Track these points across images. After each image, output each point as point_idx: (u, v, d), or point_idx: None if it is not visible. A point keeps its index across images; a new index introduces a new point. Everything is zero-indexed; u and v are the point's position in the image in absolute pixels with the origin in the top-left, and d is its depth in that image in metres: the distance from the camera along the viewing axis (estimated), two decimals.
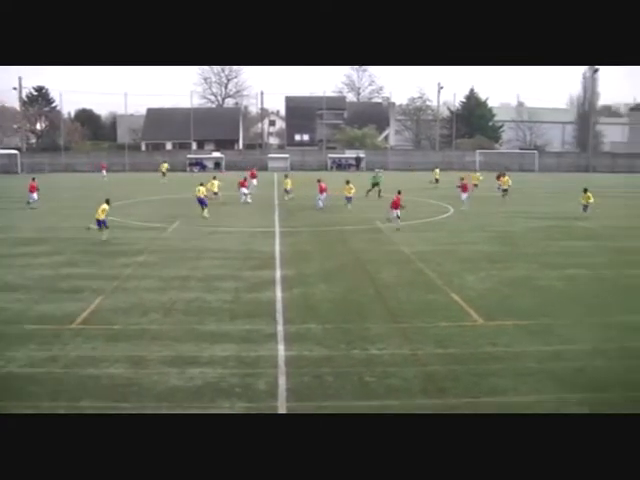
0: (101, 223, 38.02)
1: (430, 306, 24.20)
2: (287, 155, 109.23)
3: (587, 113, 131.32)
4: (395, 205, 42.42)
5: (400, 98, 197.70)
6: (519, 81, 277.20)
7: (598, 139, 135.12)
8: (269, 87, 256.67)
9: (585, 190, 50.25)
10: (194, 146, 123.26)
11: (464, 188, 54.11)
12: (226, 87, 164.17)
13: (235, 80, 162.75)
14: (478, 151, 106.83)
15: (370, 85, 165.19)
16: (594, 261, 32.92)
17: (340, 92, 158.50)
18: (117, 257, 32.91)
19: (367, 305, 24.36)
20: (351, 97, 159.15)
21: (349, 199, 52.75)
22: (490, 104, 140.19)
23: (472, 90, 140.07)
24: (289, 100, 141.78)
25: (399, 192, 43.27)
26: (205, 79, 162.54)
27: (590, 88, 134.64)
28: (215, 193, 55.70)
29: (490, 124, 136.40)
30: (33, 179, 57.48)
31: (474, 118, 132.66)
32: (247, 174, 65.42)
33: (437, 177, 74.35)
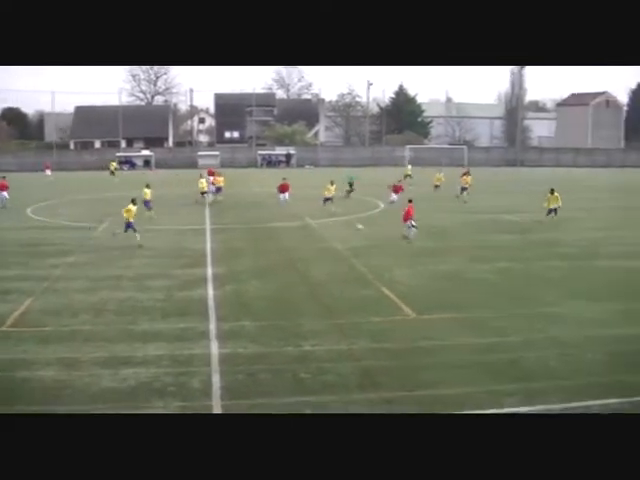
0: (129, 225, 35.78)
1: (363, 301, 24.32)
2: (217, 152, 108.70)
3: (515, 109, 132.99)
4: (408, 216, 37.92)
5: (330, 94, 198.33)
6: (448, 77, 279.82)
7: (526, 134, 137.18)
8: (198, 84, 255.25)
9: (552, 191, 44.13)
10: (123, 144, 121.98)
11: (396, 189, 53.53)
12: (155, 84, 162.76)
13: (164, 77, 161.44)
14: (407, 146, 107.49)
15: (300, 81, 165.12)
16: (524, 254, 33.42)
17: (270, 89, 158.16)
18: (46, 258, 32.44)
19: (300, 301, 24.40)
20: (281, 94, 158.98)
21: (328, 199, 50.18)
22: (419, 100, 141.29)
23: (401, 86, 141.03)
24: (218, 97, 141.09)
25: (410, 201, 39.16)
26: (134, 76, 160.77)
27: (518, 84, 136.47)
28: (203, 193, 55.08)
29: (419, 120, 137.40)
30: (3, 177, 55.82)
31: (403, 114, 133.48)
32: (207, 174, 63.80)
33: (409, 173, 73.23)
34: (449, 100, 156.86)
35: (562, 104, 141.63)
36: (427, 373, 17.60)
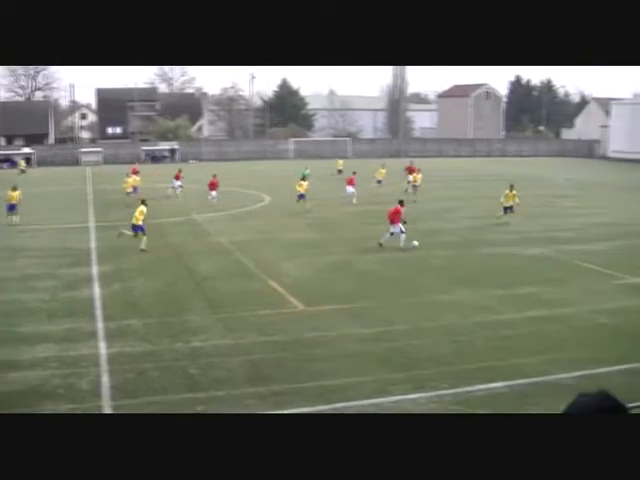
0: (138, 229, 33.28)
1: (250, 295, 24.35)
2: (100, 149, 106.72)
3: (397, 100, 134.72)
4: (395, 218, 33.39)
5: (213, 88, 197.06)
6: (331, 70, 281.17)
7: (408, 125, 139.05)
8: (80, 79, 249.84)
9: (511, 187, 40.86)
10: (3, 142, 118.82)
11: (350, 181, 53.02)
12: (35, 80, 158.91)
13: (44, 72, 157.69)
14: (292, 139, 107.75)
15: (182, 76, 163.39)
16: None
17: (152, 83, 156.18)
18: None
19: (188, 297, 24.29)
20: (163, 88, 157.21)
21: (302, 196, 47.44)
22: (302, 93, 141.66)
23: (284, 80, 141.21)
24: (100, 92, 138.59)
25: (400, 202, 34.38)
26: (12, 71, 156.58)
27: (400, 77, 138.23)
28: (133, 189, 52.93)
29: (303, 113, 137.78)
30: None
31: (287, 107, 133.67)
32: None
33: (340, 168, 72.05)
34: (332, 93, 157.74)
35: (443, 96, 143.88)
36: (316, 364, 17.75)
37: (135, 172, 58.01)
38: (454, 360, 18.20)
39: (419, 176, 55.21)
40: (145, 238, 32.80)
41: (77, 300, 24.06)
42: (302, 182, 47.68)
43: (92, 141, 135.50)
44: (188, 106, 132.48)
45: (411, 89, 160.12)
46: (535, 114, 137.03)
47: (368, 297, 24.17)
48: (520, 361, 18.13)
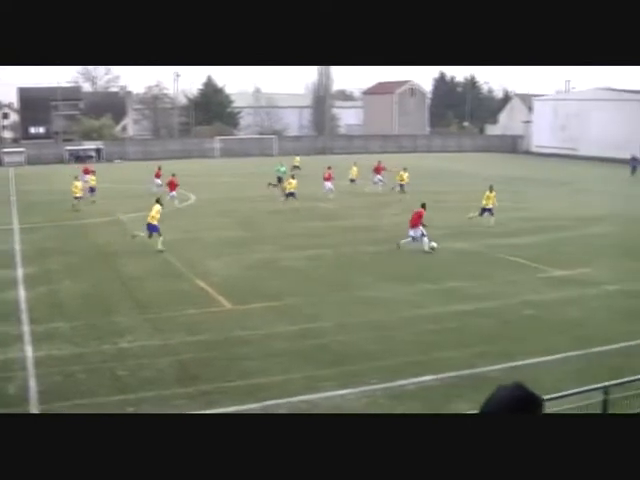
0: (154, 229, 32.51)
1: (178, 295, 24.20)
2: (23, 149, 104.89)
3: (323, 98, 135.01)
4: (417, 221, 32.43)
5: (137, 87, 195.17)
6: (256, 68, 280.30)
7: (334, 122, 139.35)
8: (1, 78, 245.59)
9: (491, 188, 39.11)
10: None
11: (327, 178, 53.12)
12: None
13: None
14: (218, 137, 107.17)
15: (106, 74, 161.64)
16: (333, 240, 34.04)
17: (76, 82, 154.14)
18: None
19: (114, 298, 24.03)
20: (87, 87, 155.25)
21: (291, 194, 47.07)
22: (228, 91, 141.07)
23: (209, 77, 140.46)
24: (23, 91, 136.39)
25: (423, 206, 33.20)
26: None
27: (325, 74, 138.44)
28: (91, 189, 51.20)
29: (228, 111, 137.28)
30: None
31: (212, 105, 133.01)
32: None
33: (297, 164, 70.53)
34: (258, 91, 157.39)
35: (368, 92, 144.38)
36: (245, 363, 17.73)
37: (87, 172, 55.71)
38: (382, 355, 18.34)
39: (406, 174, 53.85)
40: (162, 238, 32.27)
41: (2, 303, 23.61)
42: (292, 180, 47.61)
43: (14, 141, 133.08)
44: (112, 105, 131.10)
45: (336, 86, 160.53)
46: (459, 110, 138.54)
47: (295, 294, 24.21)
48: (448, 354, 18.35)
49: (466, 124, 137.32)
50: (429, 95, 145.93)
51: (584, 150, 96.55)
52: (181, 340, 19.50)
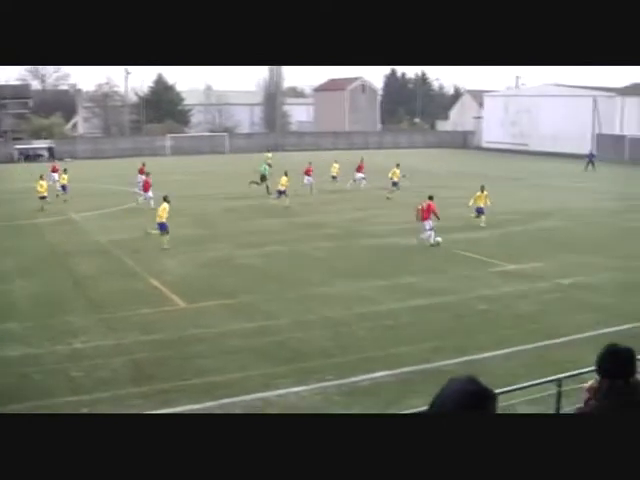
0: (163, 227, 32.56)
1: (131, 294, 24.05)
2: None
3: (274, 95, 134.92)
4: (428, 214, 32.69)
5: (87, 84, 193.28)
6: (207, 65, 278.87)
7: (285, 119, 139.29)
8: None
9: (482, 188, 38.40)
10: None
11: (307, 172, 52.81)
12: None
13: None
14: (169, 135, 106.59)
15: (56, 72, 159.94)
16: (290, 237, 34.07)
17: (24, 80, 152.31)
18: None
19: (68, 298, 23.82)
20: (36, 85, 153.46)
21: (282, 192, 46.36)
22: (178, 88, 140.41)
23: (160, 75, 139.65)
24: None
25: (430, 198, 33.42)
26: None
27: (276, 71, 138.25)
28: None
29: (179, 108, 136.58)
30: None
31: (163, 103, 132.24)
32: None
33: (269, 161, 69.11)
34: (209, 88, 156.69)
35: (319, 89, 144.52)
36: (201, 361, 17.70)
37: (55, 170, 54.55)
38: (337, 351, 18.41)
39: (397, 171, 52.41)
40: (168, 237, 32.20)
41: None
42: (284, 177, 46.74)
43: None
44: (62, 103, 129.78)
45: (287, 83, 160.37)
46: (410, 106, 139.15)
47: (250, 292, 24.20)
48: (403, 350, 18.46)
49: (417, 120, 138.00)
50: (380, 92, 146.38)
51: (534, 145, 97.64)
52: (135, 339, 19.41)
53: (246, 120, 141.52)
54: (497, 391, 4.10)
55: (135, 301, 23.10)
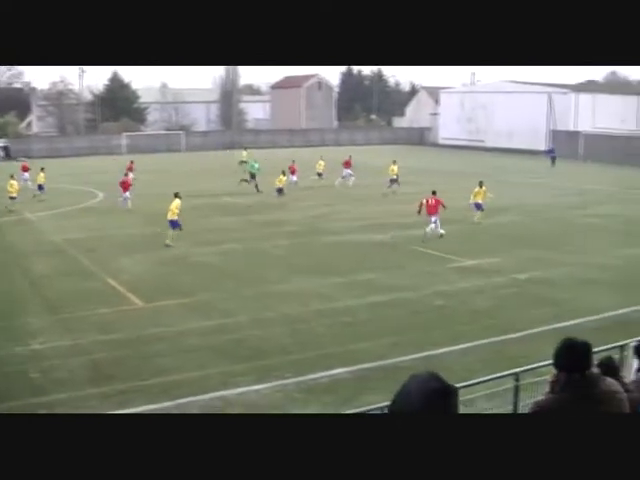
0: (175, 224, 32.70)
1: (88, 294, 23.88)
2: None
3: (230, 92, 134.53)
4: (435, 209, 33.65)
5: (41, 83, 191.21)
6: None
7: (242, 117, 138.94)
8: None
9: (480, 184, 38.80)
10: None
11: (292, 170, 52.65)
12: None
13: None
14: (125, 134, 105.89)
15: (9, 70, 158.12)
16: (248, 235, 34.01)
17: None
18: None
19: (24, 299, 23.59)
20: None
21: (281, 190, 47.30)
22: (134, 86, 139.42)
23: (115, 73, 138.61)
24: None
25: (434, 193, 34.46)
26: None
27: (232, 68, 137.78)
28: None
29: (135, 106, 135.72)
30: None
31: (119, 101, 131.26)
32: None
33: (244, 159, 67.70)
34: (164, 86, 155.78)
35: (276, 87, 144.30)
36: (159, 361, 17.65)
37: (25, 170, 53.68)
38: (296, 349, 18.46)
39: (395, 168, 52.01)
40: (174, 233, 32.42)
41: None
42: (282, 177, 47.46)
43: None
44: (16, 102, 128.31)
45: (243, 80, 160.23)
46: (367, 103, 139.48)
47: (208, 290, 24.15)
48: (361, 346, 18.54)
49: (374, 117, 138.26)
50: (336, 89, 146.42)
51: (490, 142, 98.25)
52: (93, 339, 19.29)
53: (202, 118, 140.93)
54: (458, 385, 4.15)
55: (92, 301, 22.94)
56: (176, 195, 33.44)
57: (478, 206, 38.02)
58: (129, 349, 18.49)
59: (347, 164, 56.26)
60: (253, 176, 52.35)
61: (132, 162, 54.95)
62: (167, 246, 31.62)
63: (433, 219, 33.52)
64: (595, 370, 5.54)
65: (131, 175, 51.27)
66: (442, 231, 33.33)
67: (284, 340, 19.12)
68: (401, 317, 21.22)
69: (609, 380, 5.59)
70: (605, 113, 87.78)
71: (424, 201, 34.16)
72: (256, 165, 53.53)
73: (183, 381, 16.30)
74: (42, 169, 50.20)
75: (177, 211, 32.62)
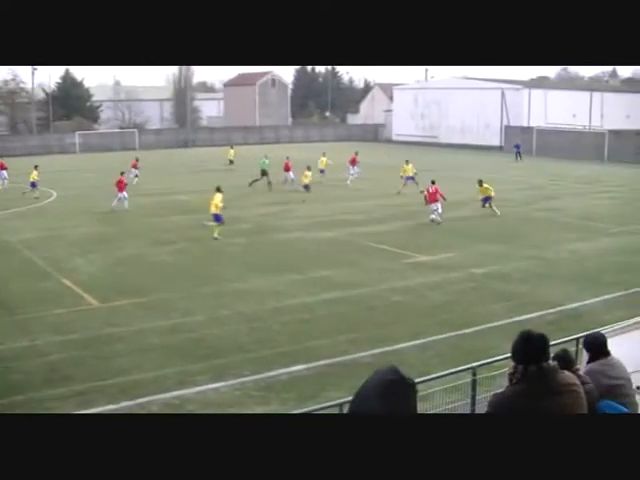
0: (218, 218, 33.23)
1: (44, 294, 23.64)
2: None
3: (184, 90, 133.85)
4: (435, 197, 36.61)
5: None
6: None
7: (196, 114, 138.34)
8: None
9: (480, 182, 39.73)
10: None
11: (287, 167, 52.06)
12: None
13: None
14: (78, 132, 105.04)
15: None
16: (202, 234, 33.86)
17: None
18: None
19: None
20: None
21: (307, 186, 47.39)
22: (87, 84, 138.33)
23: (67, 71, 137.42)
24: None
25: (433, 182, 37.27)
26: None
27: (185, 66, 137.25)
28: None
29: (88, 105, 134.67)
30: None
31: (71, 99, 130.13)
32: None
33: (231, 158, 67.27)
34: (117, 83, 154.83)
35: (229, 84, 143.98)
36: (117, 361, 17.55)
37: (3, 168, 53.45)
38: (254, 347, 18.45)
39: (407, 167, 51.00)
40: (218, 227, 33.09)
41: None
42: (307, 172, 47.62)
43: None
44: None
45: (197, 78, 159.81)
46: (321, 100, 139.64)
47: (164, 289, 24.04)
48: (319, 343, 18.59)
49: (328, 114, 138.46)
50: (290, 86, 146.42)
51: (444, 138, 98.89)
52: (50, 340, 19.12)
53: (156, 116, 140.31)
54: (417, 380, 4.19)
55: (48, 301, 22.72)
56: (218, 189, 33.83)
57: (486, 200, 39.22)
58: (86, 349, 18.35)
59: (353, 162, 56.22)
60: (264, 173, 51.91)
61: (137, 160, 55.29)
62: (215, 239, 32.20)
63: (434, 207, 36.30)
64: (552, 363, 5.60)
65: (135, 172, 52.14)
66: (434, 216, 36.18)
67: (242, 338, 19.10)
68: (358, 313, 21.30)
69: (566, 373, 5.67)
70: (557, 109, 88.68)
71: (426, 191, 37.40)
72: (267, 161, 53.11)
73: (141, 381, 16.23)
74: (36, 167, 49.66)
75: (221, 205, 33.14)
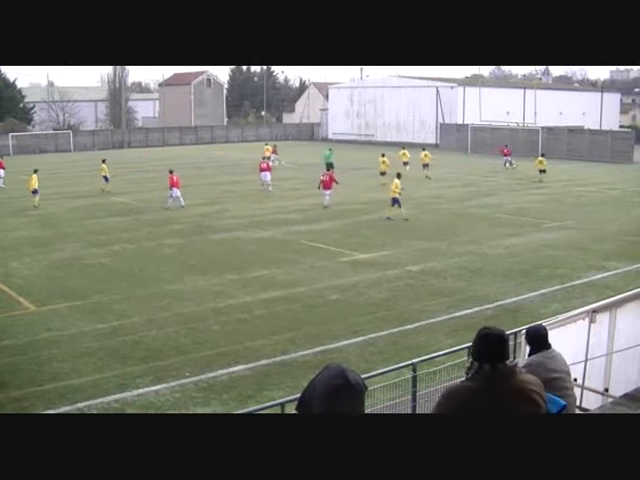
0: (396, 201, 37.00)
1: None
2: None
3: (118, 90, 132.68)
4: (329, 184, 41.33)
5: None
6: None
7: (131, 115, 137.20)
8: None
9: (399, 175, 39.12)
10: None
11: (266, 168, 49.86)
12: None
13: None
14: (11, 134, 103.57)
15: None
16: (137, 235, 33.62)
17: None
18: None
19: None
20: None
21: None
22: (19, 85, 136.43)
23: None
24: None
25: (398, 175, 38.74)
26: None
27: (120, 66, 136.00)
28: None
29: (21, 106, 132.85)
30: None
31: (3, 100, 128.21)
32: None
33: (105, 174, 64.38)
34: (51, 84, 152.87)
35: (164, 84, 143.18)
36: (55, 365, 17.33)
37: (0, 167, 52.82)
38: (193, 348, 18.38)
39: (424, 155, 58.36)
40: (402, 210, 36.85)
41: None
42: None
43: None
44: None
45: (132, 78, 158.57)
46: (256, 100, 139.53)
47: (101, 292, 23.80)
48: (259, 343, 18.58)
49: (263, 113, 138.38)
50: (226, 85, 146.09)
51: (379, 136, 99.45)
52: None
53: (91, 117, 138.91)
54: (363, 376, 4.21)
55: None
56: (398, 176, 37.83)
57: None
58: (22, 355, 18.09)
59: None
60: (331, 165, 51.48)
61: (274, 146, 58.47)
62: (405, 220, 35.58)
63: (327, 192, 40.60)
64: (511, 363, 5.56)
65: (275, 157, 55.97)
66: (327, 204, 40.24)
67: (180, 340, 19.01)
68: (297, 312, 21.34)
69: (527, 377, 5.62)
70: (491, 106, 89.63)
71: (321, 178, 41.56)
72: (331, 155, 55.29)
73: (80, 385, 16.06)
74: (35, 171, 48.32)
75: (397, 190, 36.97)
